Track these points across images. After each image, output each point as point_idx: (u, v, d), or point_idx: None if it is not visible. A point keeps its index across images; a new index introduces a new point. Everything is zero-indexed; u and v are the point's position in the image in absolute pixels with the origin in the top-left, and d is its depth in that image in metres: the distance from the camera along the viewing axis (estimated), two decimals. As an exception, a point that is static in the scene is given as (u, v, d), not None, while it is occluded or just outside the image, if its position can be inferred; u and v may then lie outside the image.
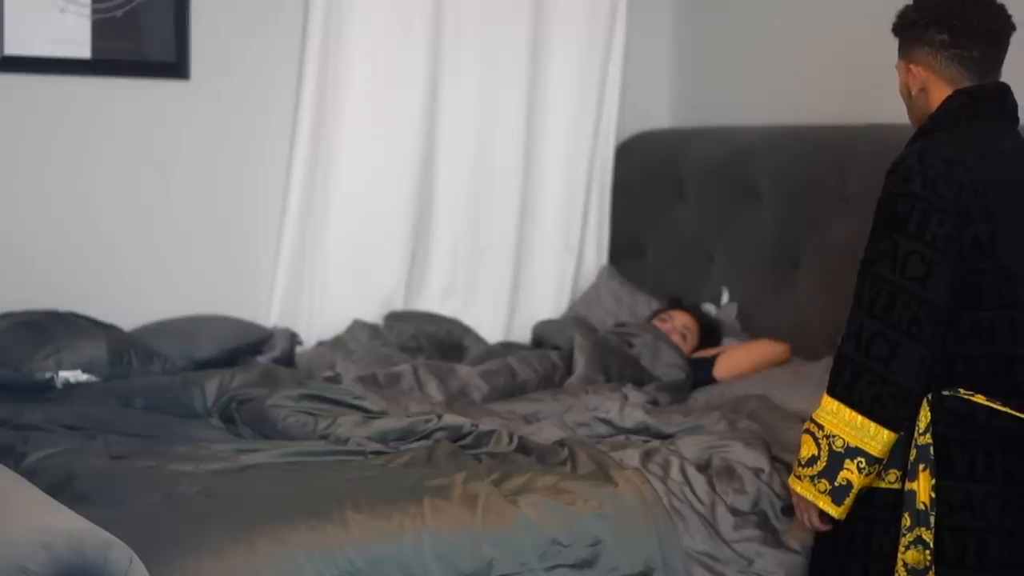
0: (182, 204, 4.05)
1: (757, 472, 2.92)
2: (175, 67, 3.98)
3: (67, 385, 3.46)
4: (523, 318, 4.43)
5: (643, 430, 3.22)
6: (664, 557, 2.70)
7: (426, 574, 2.50)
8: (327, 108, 4.13)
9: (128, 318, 3.84)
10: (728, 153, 4.22)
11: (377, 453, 2.95)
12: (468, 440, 3.03)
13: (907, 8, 2.66)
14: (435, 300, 4.35)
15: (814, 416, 2.55)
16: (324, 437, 3.06)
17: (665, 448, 3.01)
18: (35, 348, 3.48)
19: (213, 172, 4.08)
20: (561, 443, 3.02)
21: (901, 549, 2.50)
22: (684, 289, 4.27)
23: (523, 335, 4.34)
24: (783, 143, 4.06)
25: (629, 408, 3.30)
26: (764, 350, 3.85)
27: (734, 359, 3.86)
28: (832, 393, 2.52)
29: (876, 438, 2.47)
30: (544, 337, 4.12)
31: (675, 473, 2.89)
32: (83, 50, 3.86)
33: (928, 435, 2.49)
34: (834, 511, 2.54)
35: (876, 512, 2.56)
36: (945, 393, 2.49)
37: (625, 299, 4.42)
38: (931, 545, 2.48)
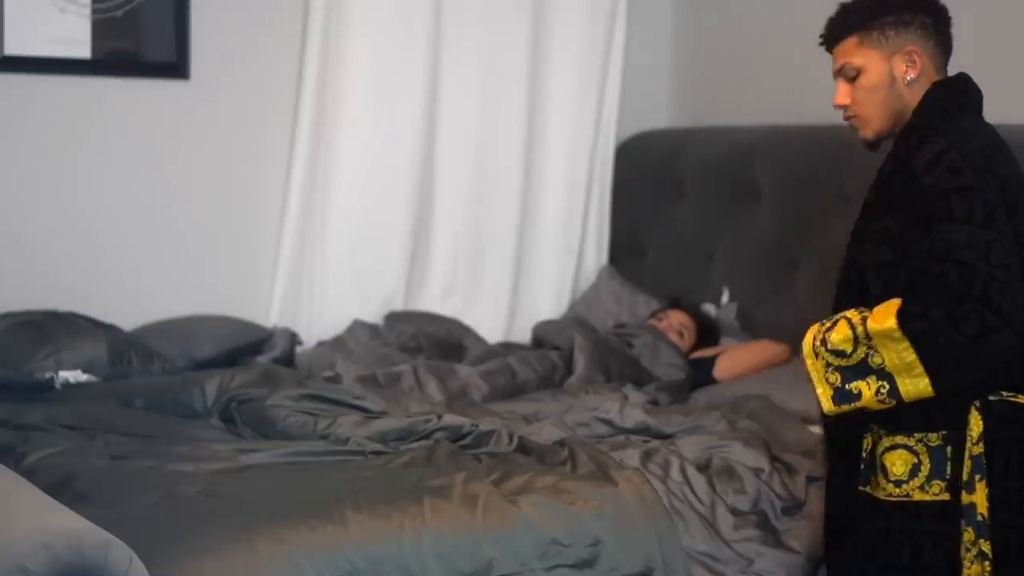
0: (182, 204, 4.05)
1: (757, 472, 2.92)
2: (175, 67, 3.98)
3: (67, 385, 3.45)
4: (523, 318, 4.43)
5: (643, 430, 3.22)
6: (664, 557, 2.70)
7: (426, 574, 2.50)
8: (327, 108, 4.13)
9: (128, 318, 3.84)
10: (728, 153, 4.22)
11: (377, 453, 2.95)
12: (468, 440, 3.03)
13: None
14: (435, 300, 4.35)
15: (870, 324, 2.36)
16: (324, 437, 3.06)
17: (665, 448, 3.01)
18: (35, 348, 3.48)
19: (213, 172, 4.08)
20: (561, 443, 3.02)
21: (966, 565, 2.38)
22: (684, 289, 4.27)
23: (523, 335, 4.34)
24: (783, 143, 4.06)
25: (629, 408, 3.30)
26: (764, 350, 3.86)
27: (734, 359, 3.86)
28: (904, 327, 2.32)
29: (915, 386, 2.34)
30: (544, 337, 4.12)
31: (675, 473, 2.89)
32: (83, 50, 3.86)
33: (981, 444, 2.38)
34: (827, 405, 2.41)
35: (922, 526, 2.42)
36: (992, 398, 2.39)
37: (625, 299, 4.42)
38: (990, 555, 2.37)
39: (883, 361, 2.35)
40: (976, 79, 3.64)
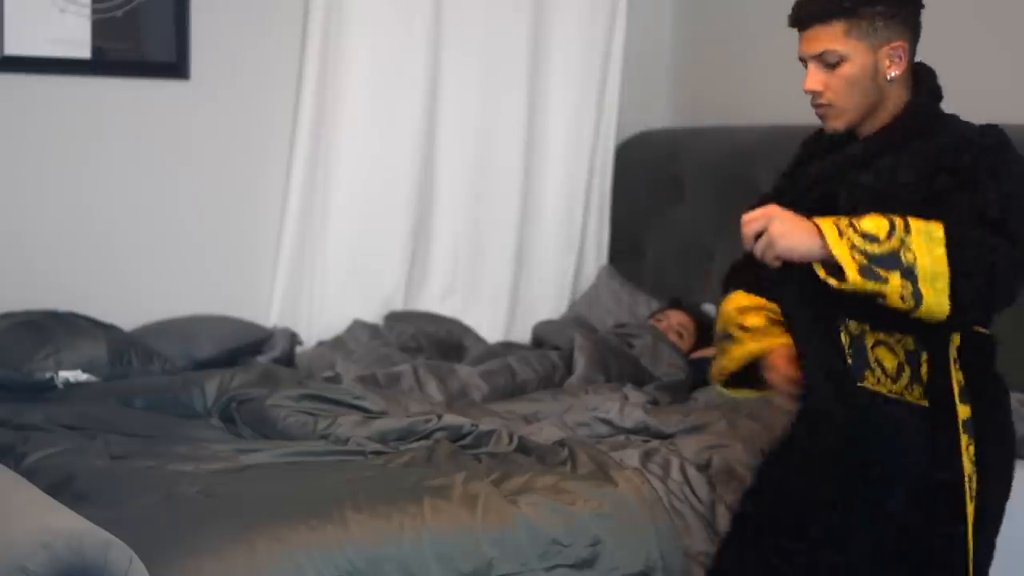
0: (182, 204, 4.04)
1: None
2: (175, 67, 3.98)
3: (67, 385, 3.45)
4: (523, 318, 4.43)
5: (643, 430, 3.22)
6: (664, 557, 2.70)
7: (426, 574, 2.50)
8: (327, 108, 4.13)
9: (128, 318, 3.84)
10: (728, 153, 4.22)
11: (377, 453, 2.95)
12: (468, 440, 3.03)
13: None
14: (435, 300, 4.35)
15: (911, 220, 2.28)
16: (324, 437, 3.06)
17: (665, 448, 3.01)
18: (35, 348, 3.48)
19: (213, 172, 4.08)
20: (561, 443, 3.03)
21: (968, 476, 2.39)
22: (684, 289, 4.27)
23: (523, 335, 4.34)
24: (783, 143, 4.04)
25: (629, 408, 3.30)
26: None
27: (734, 359, 3.86)
28: (950, 245, 2.26)
29: (936, 299, 2.27)
30: (544, 337, 4.12)
31: (675, 473, 2.89)
32: (83, 50, 3.86)
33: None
34: (851, 273, 2.26)
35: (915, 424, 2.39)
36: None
37: (625, 299, 4.42)
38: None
39: (914, 260, 2.26)
40: (976, 79, 3.66)
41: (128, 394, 3.39)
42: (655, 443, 3.09)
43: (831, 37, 2.44)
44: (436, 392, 3.57)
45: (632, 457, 2.95)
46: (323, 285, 4.19)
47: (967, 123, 2.45)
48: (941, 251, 2.26)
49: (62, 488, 2.62)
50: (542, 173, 4.45)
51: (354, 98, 4.15)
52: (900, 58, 2.44)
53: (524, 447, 3.02)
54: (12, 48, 3.77)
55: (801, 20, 2.48)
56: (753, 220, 2.41)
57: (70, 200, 3.90)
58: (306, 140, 4.11)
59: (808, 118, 4.04)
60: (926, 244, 2.27)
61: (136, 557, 2.16)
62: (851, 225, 2.31)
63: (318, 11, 4.07)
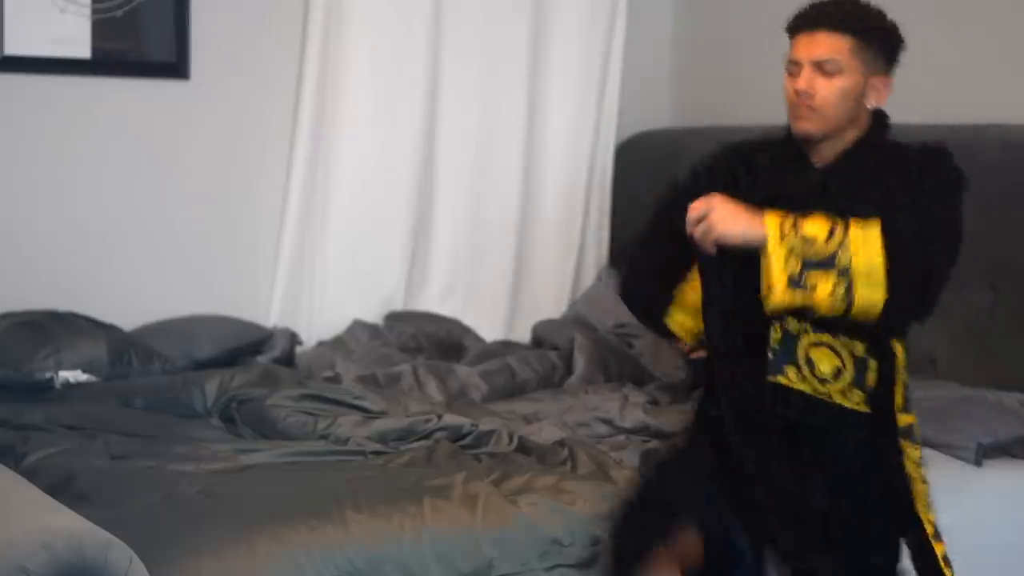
0: (182, 204, 4.04)
1: (757, 472, 2.92)
2: (175, 67, 3.98)
3: (67, 385, 3.46)
4: (523, 318, 4.42)
5: (643, 430, 3.22)
6: (664, 557, 2.70)
7: (426, 574, 2.50)
8: (327, 108, 4.13)
9: (128, 318, 3.84)
10: (728, 153, 4.21)
11: (377, 453, 2.95)
12: (468, 440, 3.03)
13: (885, 16, 2.53)
14: (435, 300, 4.35)
15: (851, 222, 2.37)
16: (324, 437, 3.06)
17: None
18: (35, 348, 3.48)
19: (213, 172, 4.08)
20: (561, 443, 3.03)
21: (918, 480, 2.50)
22: (684, 289, 4.26)
23: (523, 335, 4.34)
24: (783, 143, 4.05)
25: (629, 408, 3.30)
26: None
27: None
28: (886, 237, 2.35)
29: (870, 295, 2.35)
30: (544, 337, 4.12)
31: (675, 473, 2.89)
32: (83, 50, 3.86)
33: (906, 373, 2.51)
34: (779, 291, 2.36)
35: (851, 432, 2.49)
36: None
37: (625, 299, 4.41)
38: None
39: (850, 260, 2.33)
40: (976, 79, 3.66)
41: (128, 394, 3.39)
42: (655, 443, 3.09)
43: (838, 48, 2.49)
44: (436, 392, 3.57)
45: (632, 457, 2.95)
46: (323, 285, 4.19)
47: (911, 145, 2.53)
48: (878, 243, 2.34)
49: (62, 488, 2.62)
50: (542, 173, 4.45)
51: (354, 98, 4.15)
52: (882, 92, 2.53)
53: (524, 447, 3.02)
54: (12, 48, 3.77)
55: (812, 21, 2.51)
56: (696, 207, 2.48)
57: (70, 200, 3.90)
58: (306, 140, 4.11)
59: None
60: (863, 240, 2.35)
61: (136, 557, 2.16)
62: (795, 226, 2.38)
63: (318, 11, 4.07)
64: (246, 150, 4.11)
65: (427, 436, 3.03)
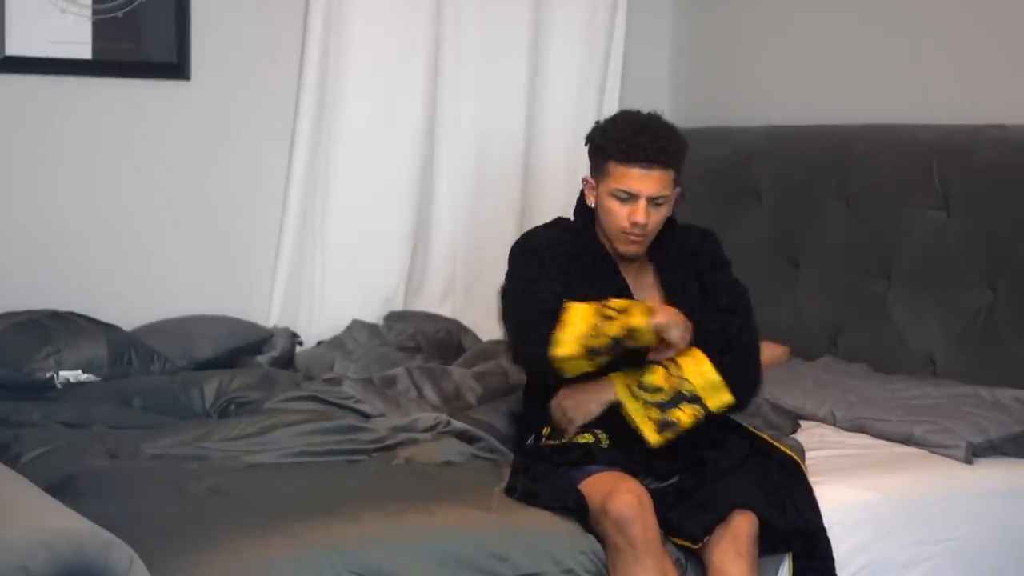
0: (182, 204, 4.05)
1: (757, 472, 2.92)
2: (175, 67, 3.98)
3: (67, 385, 3.45)
4: (523, 318, 4.41)
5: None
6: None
7: (441, 574, 2.48)
8: (327, 108, 4.13)
9: (128, 318, 3.84)
10: (728, 153, 4.22)
11: (380, 450, 2.94)
12: (481, 443, 3.04)
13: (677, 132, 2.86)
14: (435, 300, 4.35)
15: (678, 356, 2.77)
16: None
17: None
18: (35, 348, 3.48)
19: (213, 172, 4.08)
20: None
21: None
22: (684, 289, 4.26)
23: (523, 335, 4.33)
24: (783, 143, 4.06)
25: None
26: (763, 351, 3.84)
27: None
28: (709, 355, 2.77)
29: (721, 399, 2.76)
30: (544, 337, 4.11)
31: (675, 473, 2.89)
32: (84, 51, 3.86)
33: None
34: (653, 438, 2.73)
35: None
36: None
37: (625, 299, 4.41)
38: None
39: (692, 387, 2.75)
40: (976, 79, 3.66)
41: (128, 394, 3.39)
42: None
43: (668, 182, 2.83)
44: (432, 395, 3.56)
45: (632, 457, 2.95)
46: (323, 285, 4.19)
47: (690, 230, 2.99)
48: (705, 361, 2.77)
49: (62, 488, 2.62)
50: (541, 173, 4.45)
51: (354, 98, 4.15)
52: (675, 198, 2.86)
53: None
54: (13, 48, 3.78)
55: (649, 158, 2.78)
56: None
57: (70, 200, 3.91)
58: (306, 141, 4.11)
59: (808, 118, 4.06)
60: (694, 364, 2.77)
61: (137, 557, 2.15)
62: (639, 385, 2.76)
63: (318, 11, 4.07)
64: (246, 150, 4.12)
65: (436, 437, 3.03)
